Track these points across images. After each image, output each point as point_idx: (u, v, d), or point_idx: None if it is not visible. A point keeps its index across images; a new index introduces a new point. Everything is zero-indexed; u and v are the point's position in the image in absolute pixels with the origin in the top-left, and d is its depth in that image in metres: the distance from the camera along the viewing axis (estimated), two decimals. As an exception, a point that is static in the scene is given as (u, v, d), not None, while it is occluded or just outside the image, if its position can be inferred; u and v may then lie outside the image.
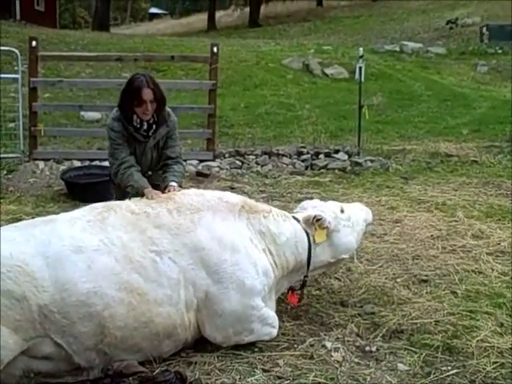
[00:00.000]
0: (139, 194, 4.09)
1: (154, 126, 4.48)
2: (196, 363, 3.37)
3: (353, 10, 38.08)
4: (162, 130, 4.53)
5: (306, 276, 3.95)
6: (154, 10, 59.73)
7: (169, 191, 4.09)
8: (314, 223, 3.83)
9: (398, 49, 20.40)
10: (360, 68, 9.10)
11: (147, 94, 4.27)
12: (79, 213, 3.50)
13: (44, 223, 3.39)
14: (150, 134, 4.50)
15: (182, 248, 3.40)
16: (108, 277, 3.16)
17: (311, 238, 3.85)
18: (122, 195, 4.36)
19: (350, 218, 4.05)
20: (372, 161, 8.82)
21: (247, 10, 38.88)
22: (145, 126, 4.44)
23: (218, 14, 40.49)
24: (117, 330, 3.15)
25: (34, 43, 8.52)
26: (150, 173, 4.66)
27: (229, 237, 3.52)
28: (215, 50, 8.55)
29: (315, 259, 3.89)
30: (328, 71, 16.89)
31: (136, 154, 4.55)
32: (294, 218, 3.94)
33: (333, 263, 4.08)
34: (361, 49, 9.33)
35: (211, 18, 37.80)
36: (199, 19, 41.67)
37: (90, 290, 3.10)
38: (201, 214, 3.56)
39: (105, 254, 3.22)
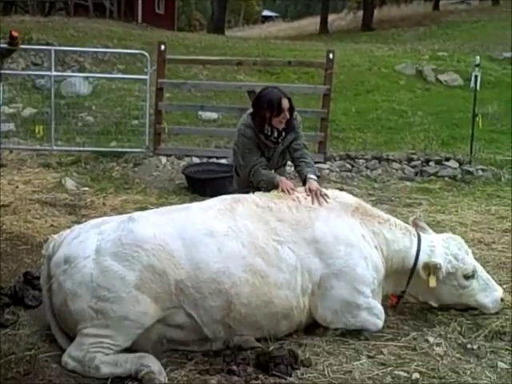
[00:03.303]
0: (271, 185, 4.41)
1: (284, 133, 4.79)
2: (306, 345, 3.71)
3: (471, 14, 36.78)
4: (290, 136, 4.81)
5: (403, 292, 4.14)
6: (266, 13, 60.69)
7: (310, 189, 4.19)
8: (433, 269, 3.94)
9: (517, 56, 19.72)
10: (476, 76, 9.09)
11: (285, 103, 4.62)
12: (211, 202, 3.96)
13: (180, 210, 3.89)
14: (280, 140, 4.82)
15: (301, 241, 3.79)
16: (235, 259, 3.59)
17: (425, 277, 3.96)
18: (245, 191, 4.68)
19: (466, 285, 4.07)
20: (484, 170, 8.79)
21: (360, 13, 38.59)
22: (275, 134, 4.74)
23: (331, 18, 40.46)
24: (241, 306, 3.56)
25: (162, 47, 9.22)
26: (278, 171, 4.96)
27: (343, 232, 3.88)
28: (331, 56, 8.88)
29: (419, 287, 4.07)
30: (442, 78, 16.62)
31: (264, 157, 4.87)
32: (420, 234, 4.14)
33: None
34: (477, 57, 9.31)
35: (323, 22, 37.86)
36: (311, 22, 41.80)
37: (220, 269, 3.53)
38: (317, 211, 3.94)
39: (233, 239, 3.65)
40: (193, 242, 3.57)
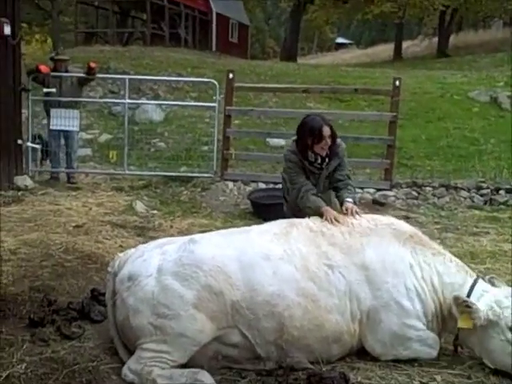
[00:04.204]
0: (317, 213, 4.52)
1: (327, 159, 4.92)
2: (359, 369, 3.72)
3: (553, 38, 35.72)
4: (334, 162, 4.95)
5: (456, 338, 3.86)
6: (340, 40, 60.83)
7: (346, 208, 4.41)
8: (463, 307, 3.69)
9: None
10: (548, 103, 8.89)
11: (326, 130, 4.75)
12: (268, 226, 4.08)
13: (239, 232, 4.04)
14: (323, 166, 4.95)
15: (351, 265, 3.83)
16: (289, 282, 3.68)
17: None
18: (295, 216, 4.79)
19: None
20: (557, 199, 8.53)
21: (436, 39, 38.13)
22: (319, 160, 4.89)
23: (405, 44, 40.19)
24: (294, 329, 3.64)
25: (231, 75, 9.52)
26: (319, 195, 5.09)
27: (391, 261, 3.86)
28: (397, 83, 8.90)
29: (470, 336, 3.77)
30: (518, 105, 16.27)
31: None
32: (477, 279, 3.88)
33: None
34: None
35: (398, 48, 37.66)
36: (385, 49, 41.60)
37: (275, 292, 3.63)
38: (369, 238, 3.97)
39: (287, 263, 3.75)
40: (250, 265, 3.69)
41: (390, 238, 3.96)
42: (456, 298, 3.72)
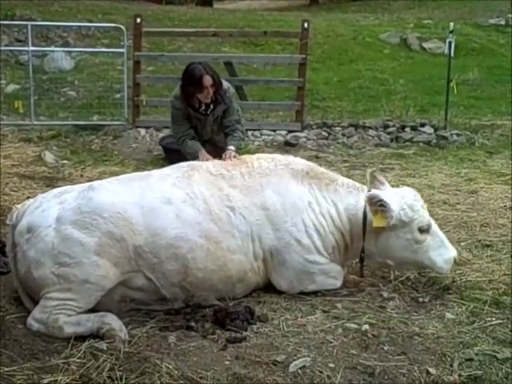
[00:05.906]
0: (195, 157, 4.66)
1: (212, 106, 4.98)
2: (265, 302, 3.88)
3: (463, -18, 36.48)
4: (220, 108, 5.05)
5: (362, 251, 4.03)
6: (257, -15, 59.88)
7: (225, 155, 4.67)
8: (377, 206, 3.85)
9: (503, 22, 19.69)
10: (450, 43, 9.20)
11: (207, 80, 4.79)
12: (169, 170, 4.09)
13: (140, 178, 4.02)
14: (208, 112, 5.01)
15: (251, 206, 3.91)
16: (192, 225, 3.73)
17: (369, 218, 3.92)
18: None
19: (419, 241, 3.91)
20: (458, 135, 8.93)
21: (352, -18, 38.12)
22: (203, 107, 4.96)
23: (323, -12, 40.09)
24: (197, 271, 3.72)
25: (138, 20, 9.28)
26: (215, 137, 5.20)
27: (290, 200, 3.97)
28: (306, 25, 8.97)
29: (375, 244, 4.00)
30: (426, 46, 16.72)
31: (197, 128, 5.09)
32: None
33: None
34: (451, 23, 9.43)
35: (314, -8, 37.48)
36: (304, -7, 41.45)
37: (178, 234, 3.67)
38: (268, 178, 4.05)
39: (190, 206, 3.78)
40: (151, 210, 3.70)
41: (288, 178, 4.04)
42: (370, 198, 3.86)
